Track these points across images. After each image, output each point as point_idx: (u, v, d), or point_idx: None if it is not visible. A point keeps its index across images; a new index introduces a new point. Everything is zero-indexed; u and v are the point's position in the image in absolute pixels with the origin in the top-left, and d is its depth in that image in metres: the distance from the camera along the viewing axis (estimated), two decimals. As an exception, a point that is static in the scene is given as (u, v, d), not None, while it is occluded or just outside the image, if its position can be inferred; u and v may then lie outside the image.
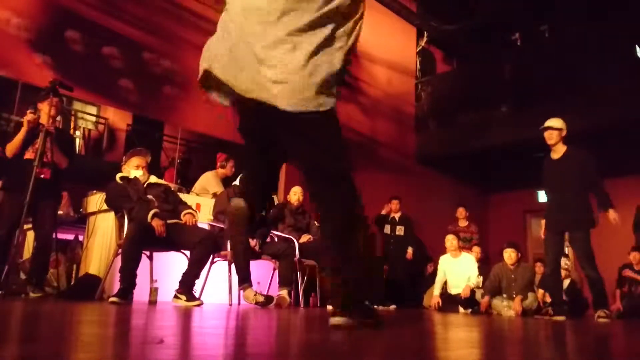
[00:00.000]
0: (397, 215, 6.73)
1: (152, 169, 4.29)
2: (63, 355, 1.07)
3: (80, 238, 4.81)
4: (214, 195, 5.00)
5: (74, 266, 4.67)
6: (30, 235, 4.31)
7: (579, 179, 4.29)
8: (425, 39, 9.39)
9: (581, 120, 7.09)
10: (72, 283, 4.45)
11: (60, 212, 4.29)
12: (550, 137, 4.42)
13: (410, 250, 6.59)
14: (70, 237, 4.93)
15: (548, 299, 5.57)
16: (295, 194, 5.09)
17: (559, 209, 4.36)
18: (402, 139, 8.77)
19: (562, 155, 4.43)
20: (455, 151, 8.57)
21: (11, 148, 3.76)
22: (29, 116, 3.76)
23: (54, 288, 4.29)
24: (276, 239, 4.69)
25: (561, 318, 4.27)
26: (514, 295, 5.52)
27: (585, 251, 4.22)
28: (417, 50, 9.36)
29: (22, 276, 4.27)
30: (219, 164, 5.61)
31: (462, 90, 8.77)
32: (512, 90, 8.04)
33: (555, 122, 4.43)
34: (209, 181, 5.41)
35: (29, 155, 3.77)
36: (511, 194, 9.87)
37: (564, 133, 4.42)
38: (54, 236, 3.94)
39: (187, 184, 5.87)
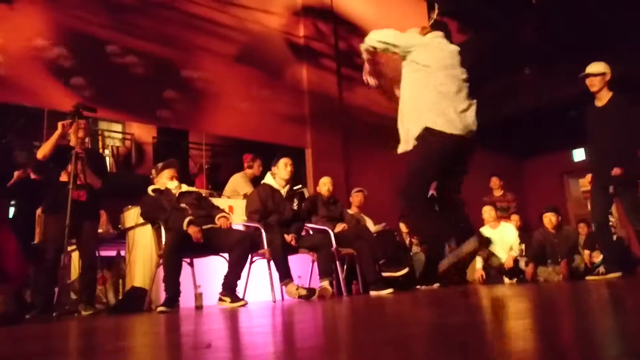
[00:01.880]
0: (434, 192, 6.59)
1: (182, 177, 4.35)
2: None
3: (122, 253, 4.93)
4: (245, 196, 5.05)
5: (120, 281, 4.80)
6: (75, 256, 4.44)
7: (627, 127, 3.97)
8: (436, 11, 9.18)
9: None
10: (120, 297, 4.58)
11: (100, 230, 4.41)
12: (592, 84, 4.10)
13: None
14: (113, 253, 5.06)
15: (595, 259, 5.42)
16: (325, 185, 5.07)
17: (606, 161, 4.03)
18: (426, 115, 8.63)
19: (608, 102, 4.08)
20: (482, 121, 8.35)
21: (43, 150, 3.83)
22: (65, 121, 3.84)
23: (104, 304, 4.42)
24: (311, 232, 4.70)
25: (616, 275, 4.04)
26: (560, 260, 5.39)
27: (634, 205, 3.95)
28: (430, 24, 9.16)
29: (73, 296, 4.42)
30: (246, 164, 5.66)
31: (482, 58, 8.52)
32: (534, 51, 7.80)
33: (595, 67, 4.10)
34: (238, 183, 5.47)
35: (64, 178, 3.87)
36: (545, 157, 9.63)
37: (607, 77, 4.07)
38: (97, 254, 4.05)
39: (218, 188, 5.94)
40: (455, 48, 3.17)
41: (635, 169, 3.97)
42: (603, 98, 4.12)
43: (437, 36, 3.20)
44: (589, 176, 4.30)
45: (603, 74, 4.08)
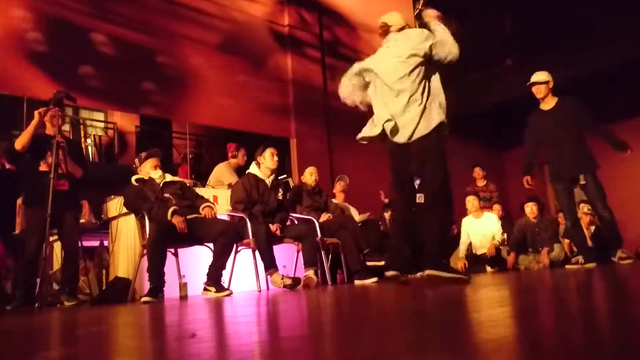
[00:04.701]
0: (416, 183, 6.62)
1: (165, 167, 4.32)
2: (102, 358, 1.09)
3: (105, 243, 4.88)
4: (229, 185, 5.03)
5: (103, 271, 4.75)
6: (57, 246, 4.39)
7: (574, 126, 4.35)
8: (421, 2, 9.19)
9: (591, 64, 6.93)
10: (103, 288, 4.54)
11: (82, 220, 4.35)
12: (539, 91, 4.49)
13: None
14: (96, 243, 5.01)
15: (575, 248, 5.54)
16: (312, 175, 5.07)
17: (560, 159, 4.40)
18: (410, 106, 8.66)
19: (554, 106, 4.48)
20: (464, 111, 8.45)
21: (21, 140, 3.73)
22: (41, 109, 3.76)
23: (87, 295, 4.38)
24: (296, 222, 4.71)
25: (592, 265, 4.27)
26: (540, 249, 5.49)
27: (596, 193, 4.24)
28: (415, 14, 9.17)
29: (55, 287, 4.37)
30: (230, 154, 5.63)
31: (466, 48, 8.59)
32: (516, 42, 7.87)
33: (540, 76, 4.50)
34: (222, 173, 5.44)
35: (43, 167, 3.81)
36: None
37: (551, 85, 4.48)
38: (79, 245, 4.01)
39: (202, 178, 5.90)
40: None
41: (593, 160, 4.33)
42: (549, 102, 4.52)
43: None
44: (527, 178, 4.59)
45: (547, 82, 4.48)
